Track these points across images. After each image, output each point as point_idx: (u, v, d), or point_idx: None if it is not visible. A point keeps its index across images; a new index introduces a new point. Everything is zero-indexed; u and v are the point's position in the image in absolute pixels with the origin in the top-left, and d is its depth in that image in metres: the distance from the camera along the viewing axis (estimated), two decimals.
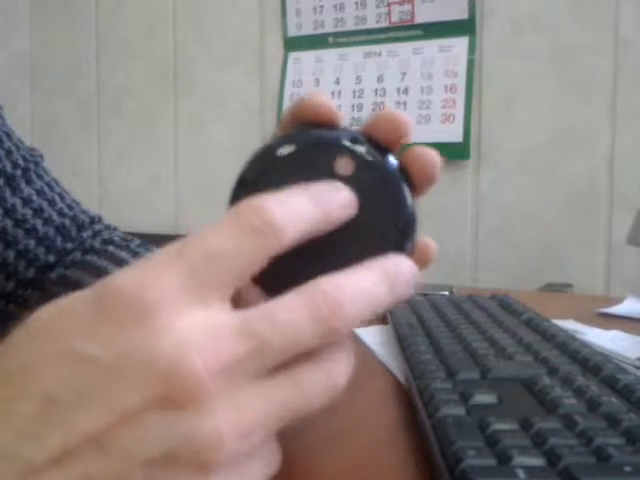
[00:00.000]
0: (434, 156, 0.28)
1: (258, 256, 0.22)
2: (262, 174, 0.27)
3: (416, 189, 0.28)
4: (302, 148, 0.27)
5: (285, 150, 0.27)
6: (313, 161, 0.27)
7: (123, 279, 0.21)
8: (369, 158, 0.27)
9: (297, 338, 0.21)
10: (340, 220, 0.25)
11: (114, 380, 0.20)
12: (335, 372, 0.24)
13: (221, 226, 0.22)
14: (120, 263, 0.53)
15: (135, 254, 0.55)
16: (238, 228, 0.22)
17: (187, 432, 0.20)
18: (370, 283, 0.23)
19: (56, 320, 0.21)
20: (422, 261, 0.30)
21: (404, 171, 0.27)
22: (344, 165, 0.27)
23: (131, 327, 0.20)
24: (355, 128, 0.28)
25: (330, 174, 0.26)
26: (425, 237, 0.30)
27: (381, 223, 0.26)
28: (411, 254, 0.27)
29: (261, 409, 0.21)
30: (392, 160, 0.27)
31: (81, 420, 0.20)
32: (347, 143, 0.27)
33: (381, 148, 0.27)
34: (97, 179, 2.15)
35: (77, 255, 0.54)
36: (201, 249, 0.21)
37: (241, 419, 0.21)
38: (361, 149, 0.27)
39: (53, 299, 0.23)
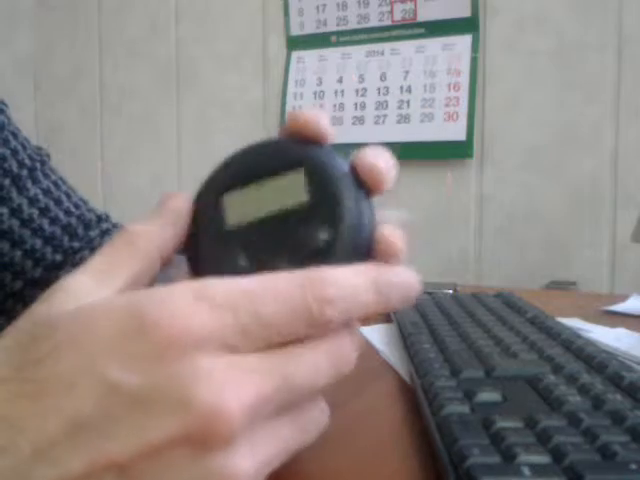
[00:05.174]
0: (382, 164, 0.27)
1: (300, 334, 0.23)
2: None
3: (371, 192, 0.28)
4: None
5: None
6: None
7: (163, 308, 0.21)
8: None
9: (316, 383, 0.24)
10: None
11: (146, 412, 0.20)
12: (324, 407, 0.26)
13: (282, 290, 0.23)
14: None
15: None
16: (295, 309, 0.23)
17: (210, 470, 0.20)
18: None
19: (88, 336, 0.21)
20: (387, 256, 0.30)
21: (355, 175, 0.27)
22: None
23: (170, 363, 0.20)
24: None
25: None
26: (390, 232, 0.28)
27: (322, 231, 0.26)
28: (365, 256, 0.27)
29: (271, 448, 0.22)
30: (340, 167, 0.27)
31: (106, 446, 0.20)
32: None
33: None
34: (100, 179, 2.16)
35: (85, 254, 0.54)
36: (255, 313, 0.22)
37: (259, 458, 0.22)
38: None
39: None
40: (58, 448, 0.19)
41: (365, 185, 0.27)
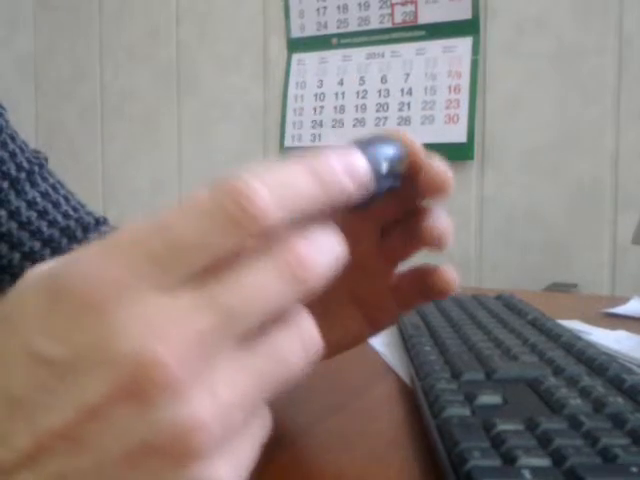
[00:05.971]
0: (447, 180, 0.29)
1: (233, 245, 0.20)
2: None
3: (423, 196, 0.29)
4: None
5: None
6: None
7: (74, 269, 0.20)
8: None
9: (267, 303, 0.20)
10: (352, 197, 0.22)
11: (76, 376, 0.19)
12: (308, 333, 0.22)
13: (189, 209, 0.20)
14: None
15: None
16: (209, 215, 0.20)
17: (162, 421, 0.19)
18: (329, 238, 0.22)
19: (13, 314, 0.21)
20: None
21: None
22: None
23: (87, 322, 0.19)
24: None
25: None
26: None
27: None
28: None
29: (239, 386, 0.20)
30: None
31: (48, 419, 0.19)
32: None
33: None
34: (101, 182, 2.16)
35: None
36: (163, 238, 0.20)
37: (219, 399, 0.20)
38: None
39: None
40: (4, 428, 0.19)
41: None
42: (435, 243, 0.31)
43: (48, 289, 0.20)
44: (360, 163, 0.23)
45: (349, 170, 0.22)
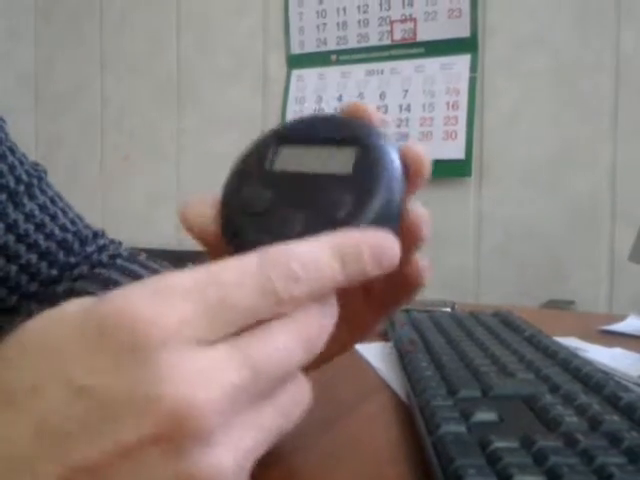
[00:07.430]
0: (426, 158, 0.30)
1: (268, 315, 0.22)
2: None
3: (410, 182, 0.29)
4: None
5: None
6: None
7: (130, 307, 0.20)
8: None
9: (288, 363, 0.23)
10: (369, 279, 0.25)
11: (114, 414, 0.20)
12: (304, 385, 0.25)
13: (244, 272, 0.22)
14: (131, 275, 0.53)
15: (146, 267, 0.55)
16: (260, 286, 0.22)
17: (189, 468, 0.20)
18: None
19: (54, 339, 0.21)
20: (412, 238, 0.31)
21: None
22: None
23: (134, 362, 0.20)
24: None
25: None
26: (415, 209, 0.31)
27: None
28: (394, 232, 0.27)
29: (252, 436, 0.22)
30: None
31: (79, 452, 0.19)
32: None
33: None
34: (100, 195, 2.16)
35: (84, 269, 0.54)
36: (219, 293, 0.21)
37: (238, 450, 0.21)
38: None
39: None
40: (29, 456, 0.19)
41: (407, 174, 0.29)
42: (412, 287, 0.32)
43: (96, 324, 0.21)
44: (391, 247, 0.25)
45: (378, 259, 0.25)
